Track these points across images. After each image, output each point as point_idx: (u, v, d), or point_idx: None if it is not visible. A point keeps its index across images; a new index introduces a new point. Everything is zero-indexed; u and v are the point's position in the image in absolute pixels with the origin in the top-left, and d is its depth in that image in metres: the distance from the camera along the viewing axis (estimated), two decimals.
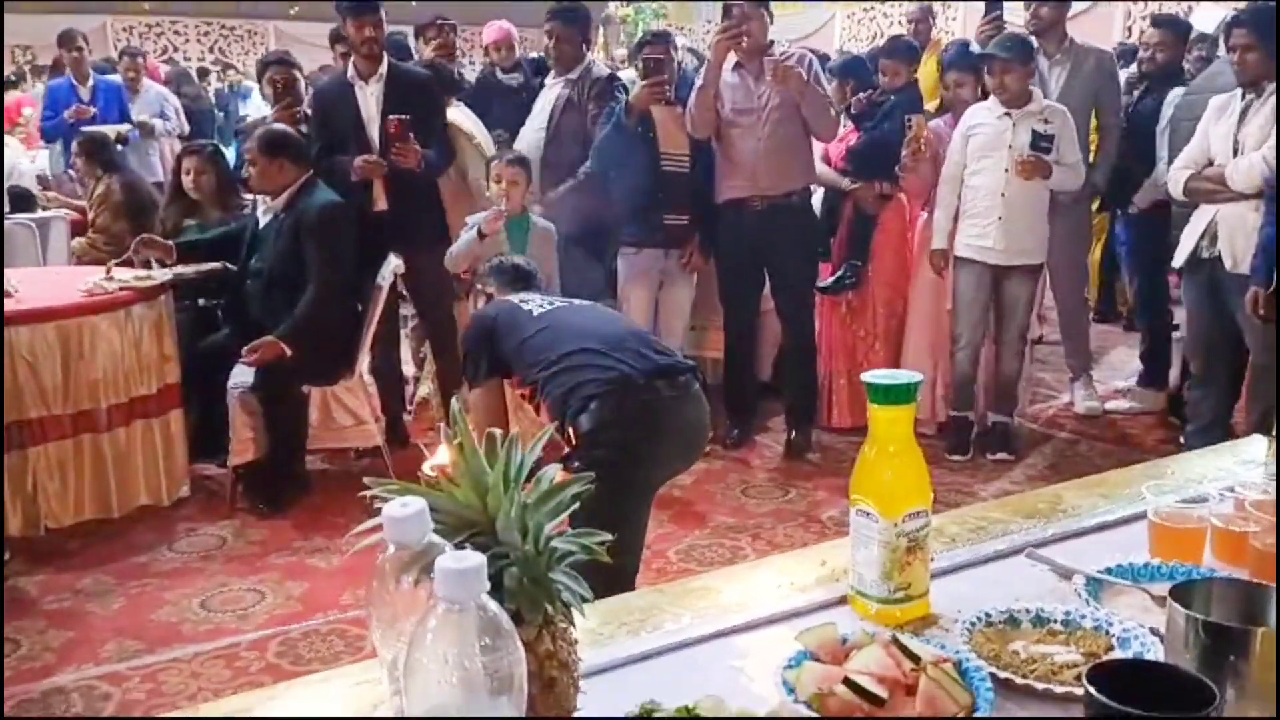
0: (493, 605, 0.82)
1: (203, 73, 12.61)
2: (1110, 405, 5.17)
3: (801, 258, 4.62)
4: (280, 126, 4.48)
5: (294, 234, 4.14)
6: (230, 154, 5.79)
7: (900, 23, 13.28)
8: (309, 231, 4.11)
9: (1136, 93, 5.30)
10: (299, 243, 4.12)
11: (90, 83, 7.20)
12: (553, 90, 4.92)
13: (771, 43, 4.49)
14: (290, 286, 4.12)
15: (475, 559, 0.80)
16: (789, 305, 4.68)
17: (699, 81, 4.46)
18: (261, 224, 4.29)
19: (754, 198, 4.45)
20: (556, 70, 4.97)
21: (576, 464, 2.39)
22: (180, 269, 4.35)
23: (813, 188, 4.79)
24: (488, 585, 0.81)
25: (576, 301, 3.05)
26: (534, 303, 2.88)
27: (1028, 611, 1.23)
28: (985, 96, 4.62)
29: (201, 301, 4.63)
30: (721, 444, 4.74)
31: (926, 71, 6.13)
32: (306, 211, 4.15)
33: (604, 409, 2.49)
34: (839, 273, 4.81)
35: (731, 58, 4.42)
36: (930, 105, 5.19)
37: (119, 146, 6.59)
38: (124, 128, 7.08)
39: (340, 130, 4.55)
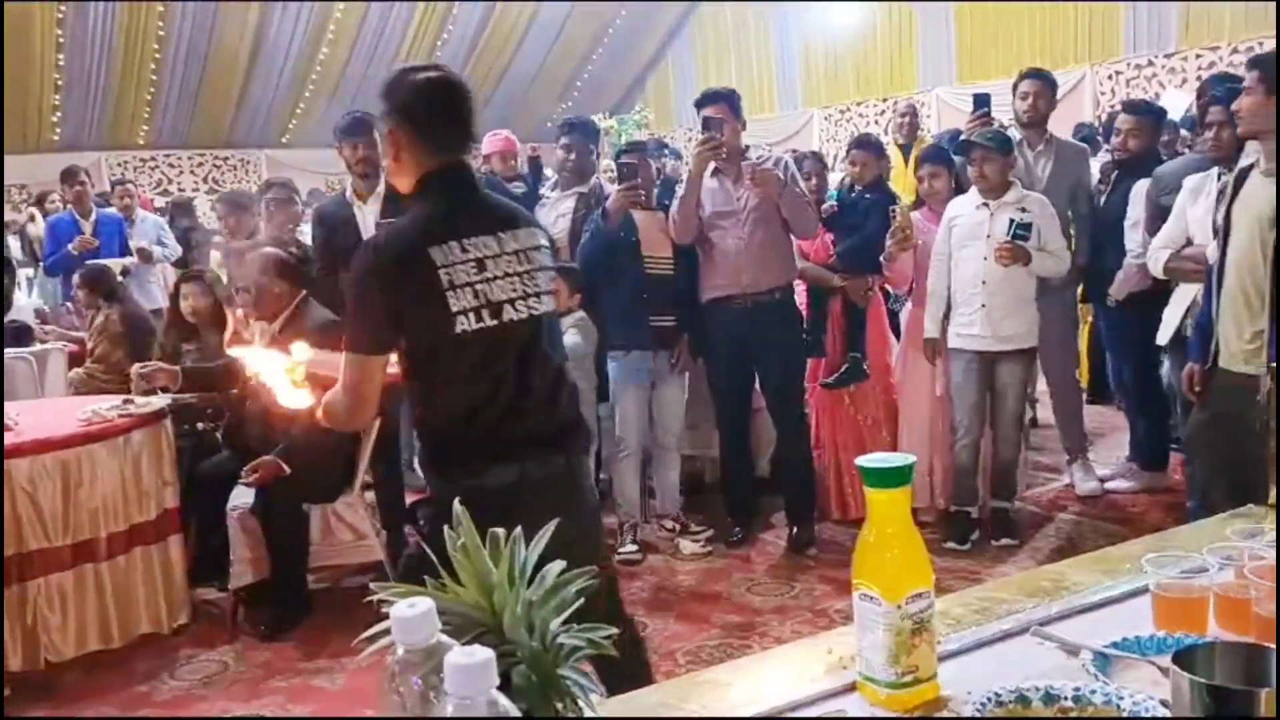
0: (503, 700, 0.82)
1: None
2: (1110, 485, 5.16)
3: (788, 353, 4.67)
4: (273, 251, 4.56)
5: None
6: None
7: (875, 122, 13.67)
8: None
9: (1109, 182, 5.25)
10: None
11: (93, 216, 7.32)
12: (564, 202, 5.05)
13: (747, 147, 4.62)
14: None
15: (484, 654, 0.81)
16: (779, 400, 4.71)
17: (680, 190, 4.56)
18: (260, 347, 4.33)
19: (738, 296, 4.51)
20: (568, 183, 5.12)
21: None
22: (180, 394, 4.39)
23: (795, 283, 4.87)
24: (497, 680, 0.82)
25: None
26: None
27: (1037, 689, 1.23)
28: (959, 189, 4.75)
29: (200, 426, 4.65)
30: (724, 542, 4.73)
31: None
32: (305, 331, 4.19)
33: None
34: (844, 367, 4.85)
35: (710, 164, 4.54)
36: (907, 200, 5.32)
37: (122, 278, 6.68)
38: (128, 260, 7.18)
39: (342, 249, 4.65)
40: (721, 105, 4.47)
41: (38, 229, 9.39)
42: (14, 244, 9.58)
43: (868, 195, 5.02)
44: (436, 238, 2.12)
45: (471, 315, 2.11)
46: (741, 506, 4.87)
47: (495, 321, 2.14)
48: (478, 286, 2.12)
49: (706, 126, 4.43)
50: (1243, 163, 3.56)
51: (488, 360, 2.15)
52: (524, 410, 2.19)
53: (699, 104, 4.53)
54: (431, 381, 2.16)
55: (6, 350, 6.11)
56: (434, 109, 2.19)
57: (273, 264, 4.29)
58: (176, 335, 4.97)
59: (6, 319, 6.69)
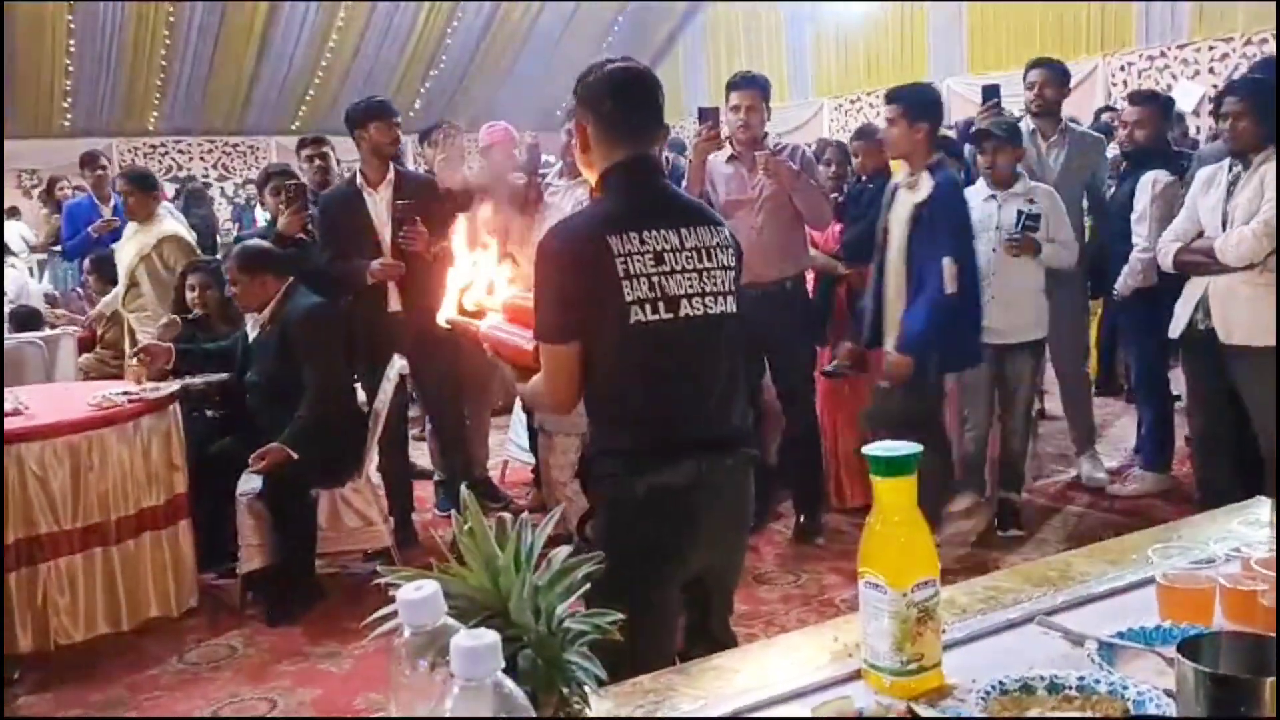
0: (508, 683, 0.83)
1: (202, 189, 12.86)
2: (1113, 489, 5.08)
3: (799, 342, 4.66)
4: (256, 243, 4.59)
5: (284, 342, 4.19)
6: None
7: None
8: (297, 337, 4.17)
9: (1118, 174, 5.19)
10: (290, 350, 4.17)
11: (111, 202, 7.33)
12: (579, 190, 5.00)
13: (765, 135, 4.58)
14: (289, 394, 4.14)
15: (490, 636, 0.81)
16: (789, 390, 4.68)
17: (685, 181, 4.53)
18: (252, 338, 4.35)
19: (751, 285, 4.47)
20: (572, 169, 5.01)
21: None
22: (188, 380, 4.40)
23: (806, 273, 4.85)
24: (503, 662, 0.82)
25: None
26: None
27: (1042, 679, 1.23)
28: (968, 179, 4.74)
29: (210, 411, 4.66)
30: None
31: None
32: (291, 318, 4.20)
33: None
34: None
35: (727, 149, 4.51)
36: None
37: None
38: None
39: (351, 235, 4.65)
40: (754, 91, 4.46)
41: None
42: (23, 230, 9.61)
43: (869, 185, 5.03)
44: (616, 226, 2.06)
45: (647, 306, 2.04)
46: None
47: (671, 315, 2.07)
48: (654, 278, 2.05)
49: (703, 118, 4.41)
50: (895, 180, 4.25)
51: (663, 356, 2.09)
52: (699, 411, 2.13)
53: (731, 85, 4.51)
54: (608, 377, 2.08)
55: (18, 335, 6.16)
56: (617, 100, 2.14)
57: (255, 257, 4.30)
58: (183, 326, 4.96)
59: (17, 303, 6.72)
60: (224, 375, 4.50)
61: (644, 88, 2.18)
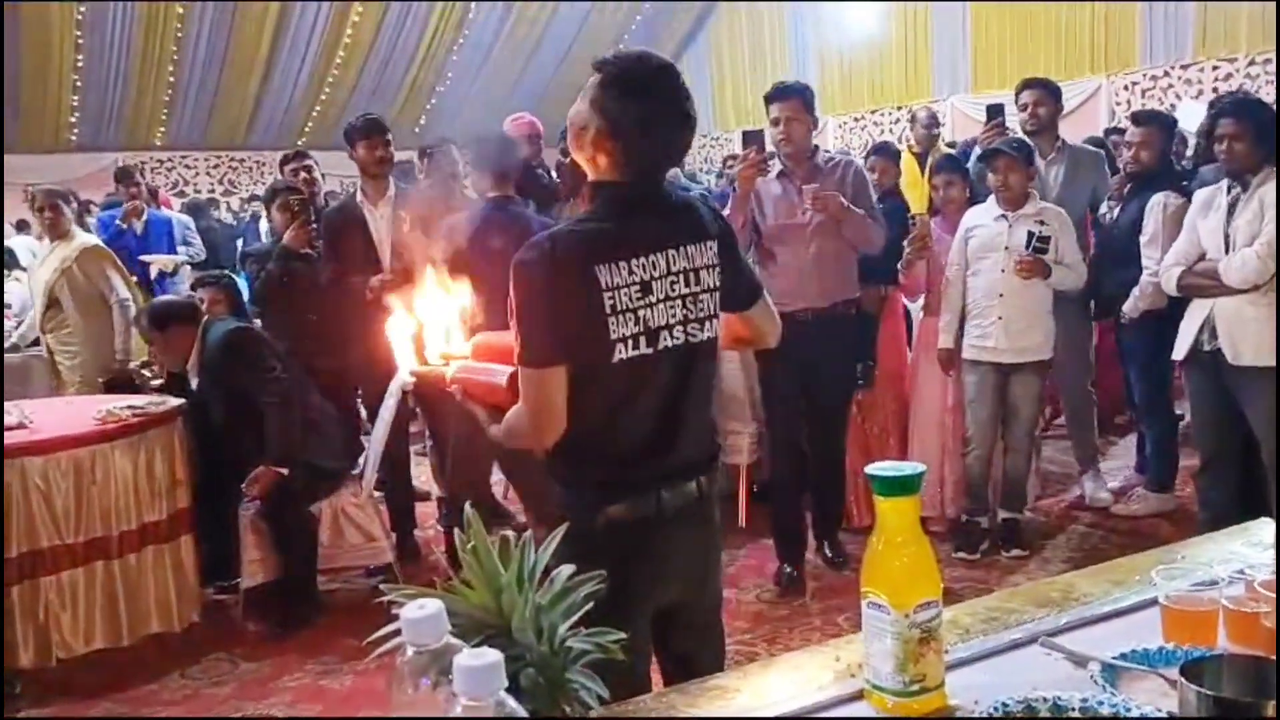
0: (511, 702, 0.83)
1: (212, 203, 12.93)
2: (1117, 509, 5.05)
3: (845, 368, 4.46)
4: (160, 300, 4.70)
5: (217, 380, 4.19)
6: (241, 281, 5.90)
7: (890, 130, 13.67)
8: (221, 370, 4.17)
9: (1121, 197, 5.01)
10: (229, 383, 4.17)
11: (144, 216, 7.38)
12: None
13: (816, 149, 4.33)
14: (254, 421, 4.11)
15: (493, 655, 0.81)
16: (826, 415, 4.44)
17: (729, 209, 4.13)
18: (195, 386, 4.33)
19: (804, 310, 4.12)
20: (571, 193, 4.85)
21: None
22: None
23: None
24: (506, 681, 0.82)
25: None
26: None
27: (1045, 700, 1.23)
28: (972, 197, 4.73)
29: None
30: (777, 586, 4.42)
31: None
32: (210, 356, 4.20)
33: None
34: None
35: (775, 166, 4.25)
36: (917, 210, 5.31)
37: (171, 275, 6.92)
38: (179, 257, 7.28)
39: (352, 252, 4.66)
40: (794, 102, 4.17)
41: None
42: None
43: (881, 203, 5.01)
44: (604, 255, 1.88)
45: (629, 343, 1.90)
46: (793, 542, 4.44)
47: (651, 350, 1.92)
48: (640, 312, 1.90)
49: (747, 142, 4.19)
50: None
51: (636, 390, 1.94)
52: (667, 443, 1.99)
53: (769, 98, 4.22)
54: (578, 409, 1.92)
55: (24, 350, 6.20)
56: (643, 133, 1.91)
57: (160, 312, 4.32)
58: None
59: (24, 318, 6.74)
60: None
61: (677, 127, 1.96)
